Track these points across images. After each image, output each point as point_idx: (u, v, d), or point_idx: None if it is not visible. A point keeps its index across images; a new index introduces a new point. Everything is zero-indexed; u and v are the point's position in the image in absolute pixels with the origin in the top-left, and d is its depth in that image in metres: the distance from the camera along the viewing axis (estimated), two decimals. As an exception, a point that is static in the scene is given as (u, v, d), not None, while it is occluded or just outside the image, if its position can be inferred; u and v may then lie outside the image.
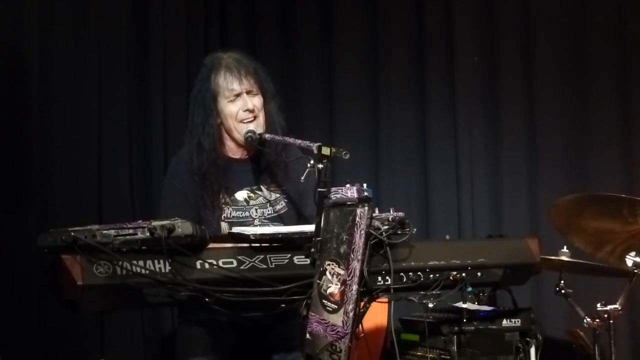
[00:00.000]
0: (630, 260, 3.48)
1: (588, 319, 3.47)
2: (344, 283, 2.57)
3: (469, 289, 2.94)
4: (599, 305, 3.47)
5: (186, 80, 4.39)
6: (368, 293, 2.71)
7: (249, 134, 3.20)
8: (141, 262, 2.58)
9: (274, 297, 2.66)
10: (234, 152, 3.30)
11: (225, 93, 3.23)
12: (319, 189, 2.70)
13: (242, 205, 3.25)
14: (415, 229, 2.79)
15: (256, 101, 3.25)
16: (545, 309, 4.40)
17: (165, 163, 4.14)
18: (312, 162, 2.75)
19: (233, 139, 3.27)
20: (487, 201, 4.74)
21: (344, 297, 2.55)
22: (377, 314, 3.21)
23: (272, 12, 4.99)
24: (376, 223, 2.71)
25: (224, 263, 2.67)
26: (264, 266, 2.71)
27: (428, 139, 4.82)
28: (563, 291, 3.53)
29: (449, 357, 3.26)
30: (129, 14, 4.36)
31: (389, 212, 2.79)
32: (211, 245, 2.71)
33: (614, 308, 3.44)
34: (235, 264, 2.68)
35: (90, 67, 4.15)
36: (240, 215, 3.23)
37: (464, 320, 3.30)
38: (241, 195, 3.26)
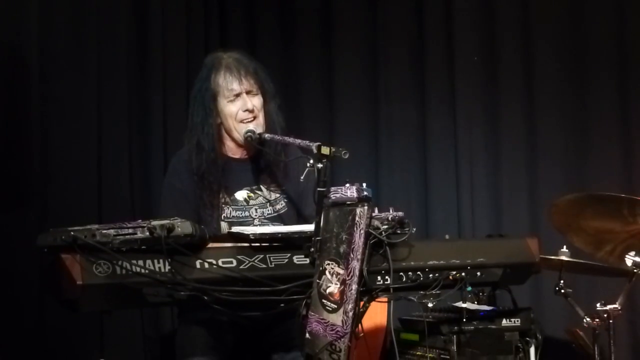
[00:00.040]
0: (629, 259, 3.48)
1: (588, 319, 3.46)
2: (343, 282, 2.57)
3: (469, 288, 2.95)
4: (598, 305, 3.46)
5: (186, 80, 4.39)
6: (367, 292, 2.72)
7: (249, 133, 3.20)
8: (141, 262, 2.58)
9: (273, 296, 2.67)
10: (233, 152, 3.30)
11: (225, 93, 3.23)
12: (318, 189, 2.70)
13: (241, 205, 3.24)
14: (414, 229, 2.80)
15: (256, 101, 3.25)
16: (545, 308, 4.39)
17: (165, 163, 4.13)
18: (311, 161, 2.75)
19: (233, 139, 3.27)
20: (487, 201, 4.73)
21: (344, 297, 2.55)
22: (377, 314, 3.20)
23: (272, 12, 4.99)
24: (376, 222, 2.71)
25: (223, 262, 2.67)
26: (264, 266, 2.71)
27: (428, 139, 4.81)
28: (563, 291, 3.52)
29: (448, 357, 3.25)
30: (129, 14, 4.36)
31: (389, 211, 2.80)
32: (211, 245, 2.71)
33: (614, 308, 3.43)
34: (234, 263, 2.69)
35: (90, 67, 4.15)
36: (240, 215, 3.23)
37: (464, 320, 3.29)
38: (241, 195, 3.25)
